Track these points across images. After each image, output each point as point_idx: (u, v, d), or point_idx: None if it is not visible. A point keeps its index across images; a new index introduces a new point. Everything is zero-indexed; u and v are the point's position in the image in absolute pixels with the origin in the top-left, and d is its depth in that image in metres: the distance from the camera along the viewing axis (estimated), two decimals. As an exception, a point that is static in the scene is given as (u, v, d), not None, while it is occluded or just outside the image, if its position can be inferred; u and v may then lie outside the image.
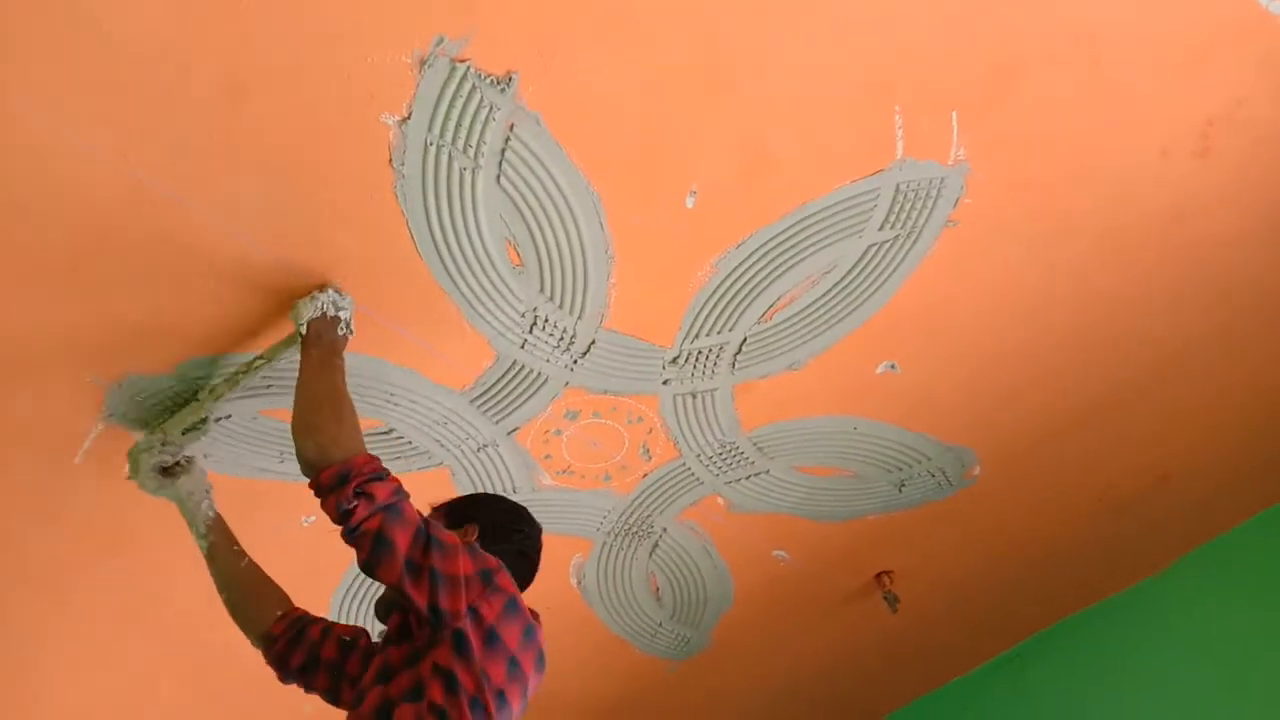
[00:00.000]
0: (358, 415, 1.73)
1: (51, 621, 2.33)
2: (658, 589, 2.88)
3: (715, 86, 1.74)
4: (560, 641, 2.91)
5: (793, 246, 2.03)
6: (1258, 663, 3.04)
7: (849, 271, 2.10)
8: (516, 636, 1.52)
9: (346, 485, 1.53)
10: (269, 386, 2.03)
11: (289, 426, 1.71)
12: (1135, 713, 3.27)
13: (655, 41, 1.66)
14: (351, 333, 1.87)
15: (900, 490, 2.72)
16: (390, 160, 1.72)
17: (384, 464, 1.61)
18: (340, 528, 1.53)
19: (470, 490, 2.37)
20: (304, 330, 1.82)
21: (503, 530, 1.77)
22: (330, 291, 1.86)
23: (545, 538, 2.61)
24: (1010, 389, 2.47)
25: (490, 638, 1.49)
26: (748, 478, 2.59)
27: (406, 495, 1.58)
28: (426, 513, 1.70)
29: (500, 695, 1.46)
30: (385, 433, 2.20)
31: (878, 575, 3.02)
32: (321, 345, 1.81)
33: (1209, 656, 3.16)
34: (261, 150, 1.67)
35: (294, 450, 1.64)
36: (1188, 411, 2.69)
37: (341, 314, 1.85)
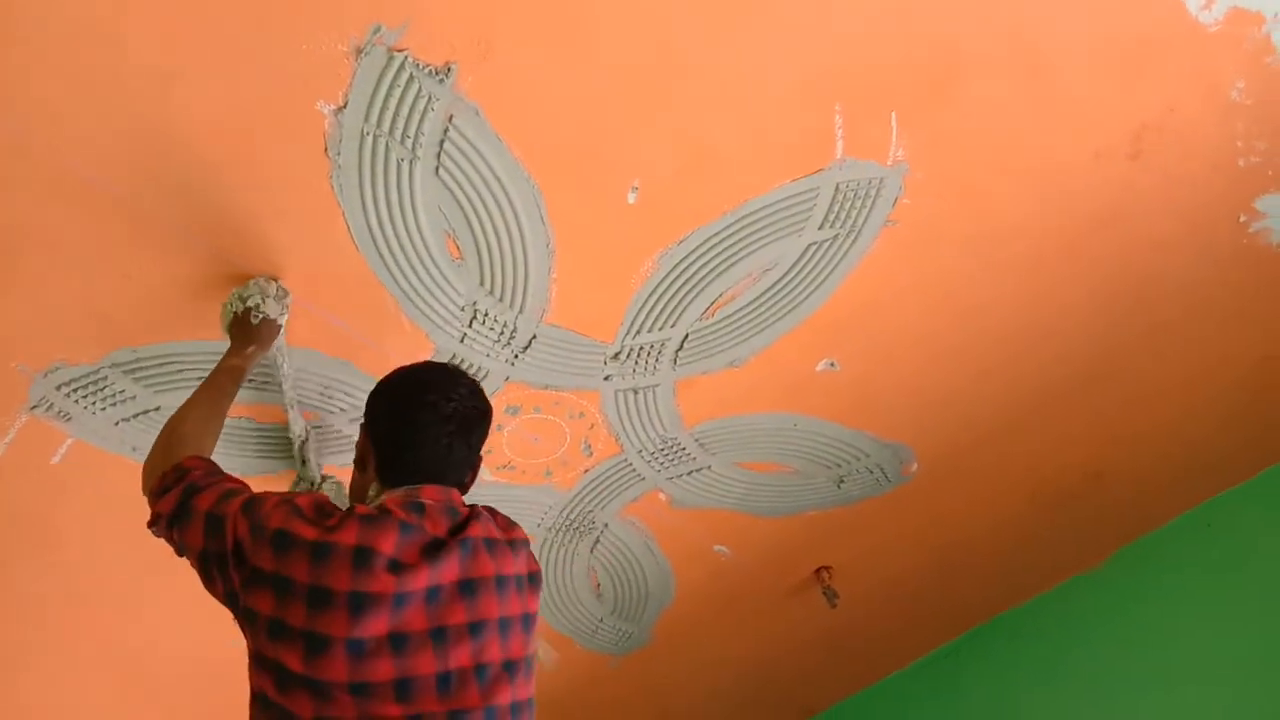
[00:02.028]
0: (222, 418, 1.70)
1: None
2: (599, 585, 2.88)
3: (657, 82, 1.74)
4: (500, 637, 2.91)
5: (734, 244, 2.03)
6: (1188, 656, 3.12)
7: (790, 269, 2.11)
8: (303, 566, 1.27)
9: (150, 516, 1.49)
10: (198, 379, 1.99)
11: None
12: (1070, 706, 3.34)
13: (597, 35, 1.65)
14: (271, 319, 1.83)
15: (839, 486, 2.75)
16: (326, 149, 1.69)
17: (194, 461, 1.51)
18: None
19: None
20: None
21: (389, 430, 1.48)
22: (253, 284, 1.83)
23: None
24: (948, 387, 2.50)
25: (281, 587, 1.28)
26: (689, 473, 2.60)
27: (200, 487, 1.44)
28: None
29: (308, 636, 1.25)
30: (318, 427, 2.16)
31: (817, 570, 3.05)
32: (225, 356, 1.80)
33: (1142, 650, 3.23)
34: (193, 137, 1.63)
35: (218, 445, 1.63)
36: (1121, 411, 2.75)
37: (255, 305, 1.81)
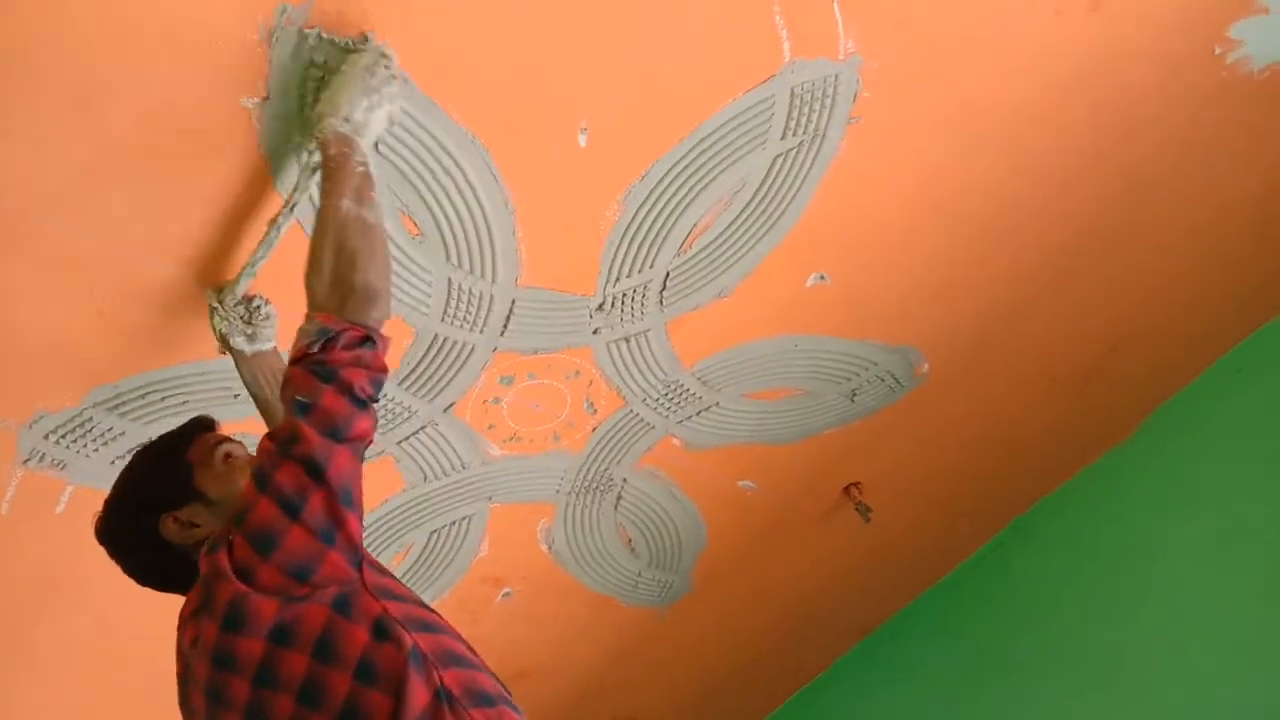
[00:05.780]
0: None
1: (18, 680, 2.26)
2: (630, 540, 2.85)
3: (586, 13, 1.66)
4: (544, 610, 2.89)
5: (697, 170, 1.97)
6: (1237, 508, 3.07)
7: (759, 187, 2.05)
8: None
9: None
10: (182, 405, 1.96)
11: None
12: (1127, 578, 3.30)
13: (513, -24, 1.58)
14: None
15: (853, 400, 2.70)
16: (259, 145, 1.64)
17: None
18: None
19: (418, 477, 2.33)
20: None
21: None
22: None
23: (506, 508, 2.57)
24: (944, 280, 2.43)
25: None
26: (698, 414, 2.55)
27: None
28: None
29: None
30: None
31: (846, 489, 3.01)
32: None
33: (1190, 510, 3.18)
34: (122, 158, 1.59)
35: None
36: (1125, 274, 2.67)
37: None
